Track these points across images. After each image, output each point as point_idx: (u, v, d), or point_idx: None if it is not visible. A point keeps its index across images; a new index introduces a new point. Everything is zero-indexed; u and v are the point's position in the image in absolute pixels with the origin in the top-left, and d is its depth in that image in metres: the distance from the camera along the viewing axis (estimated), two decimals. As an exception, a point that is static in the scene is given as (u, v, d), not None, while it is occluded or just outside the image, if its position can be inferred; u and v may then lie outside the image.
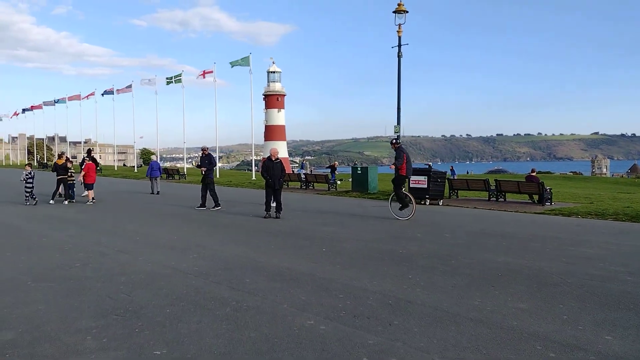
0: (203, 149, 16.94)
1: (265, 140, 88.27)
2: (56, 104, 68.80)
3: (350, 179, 26.12)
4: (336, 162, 35.60)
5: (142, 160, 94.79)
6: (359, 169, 25.60)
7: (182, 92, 48.75)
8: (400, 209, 13.59)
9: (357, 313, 5.38)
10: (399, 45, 23.42)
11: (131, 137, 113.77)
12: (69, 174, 18.55)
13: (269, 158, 14.31)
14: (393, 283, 6.67)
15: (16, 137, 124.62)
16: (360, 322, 5.08)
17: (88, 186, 18.47)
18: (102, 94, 57.87)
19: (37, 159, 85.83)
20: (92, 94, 59.89)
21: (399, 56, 23.48)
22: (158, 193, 22.88)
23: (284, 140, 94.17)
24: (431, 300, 5.86)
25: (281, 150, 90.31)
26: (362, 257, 8.48)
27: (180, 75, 49.13)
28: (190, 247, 9.29)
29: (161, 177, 26.69)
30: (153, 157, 26.91)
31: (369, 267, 7.63)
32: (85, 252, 8.83)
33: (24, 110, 79.90)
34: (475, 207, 17.77)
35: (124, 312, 5.43)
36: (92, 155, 22.38)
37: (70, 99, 64.67)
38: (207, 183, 16.41)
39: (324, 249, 9.18)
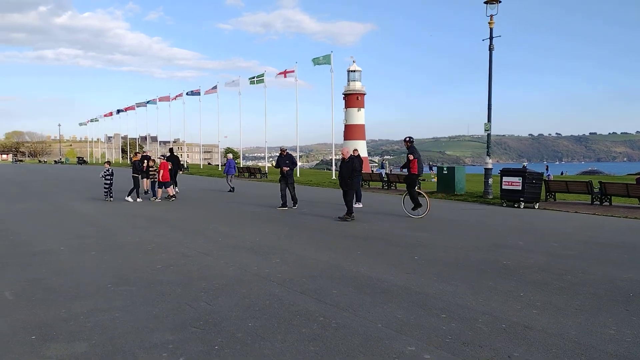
0: (282, 149, 16.73)
1: (344, 140, 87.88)
2: (147, 105, 72.30)
3: (434, 179, 24.95)
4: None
5: (225, 159, 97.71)
6: (445, 168, 24.37)
7: (264, 92, 49.23)
8: (413, 208, 13.73)
9: (466, 340, 4.57)
10: (491, 38, 22.00)
11: (216, 137, 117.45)
12: (149, 171, 18.96)
13: (342, 158, 13.83)
14: (502, 302, 5.78)
15: (112, 137, 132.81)
16: (472, 352, 4.28)
17: (163, 184, 18.68)
18: (188, 94, 59.90)
19: (130, 158, 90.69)
20: (180, 95, 62.21)
21: (491, 49, 22.05)
22: (232, 190, 23.15)
23: (364, 139, 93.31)
24: (554, 327, 4.93)
25: (360, 149, 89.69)
26: (460, 267, 7.60)
27: (262, 75, 49.70)
28: (273, 251, 8.82)
29: (243, 176, 26.91)
30: (229, 156, 27.37)
31: (470, 281, 6.75)
32: (167, 253, 8.60)
33: (118, 111, 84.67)
34: (576, 212, 16.17)
35: (204, 323, 4.97)
36: (173, 153, 22.69)
37: (161, 100, 67.63)
38: (289, 183, 16.16)
39: (416, 257, 8.38)
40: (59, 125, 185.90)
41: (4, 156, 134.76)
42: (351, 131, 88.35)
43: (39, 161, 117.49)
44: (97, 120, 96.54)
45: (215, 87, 55.96)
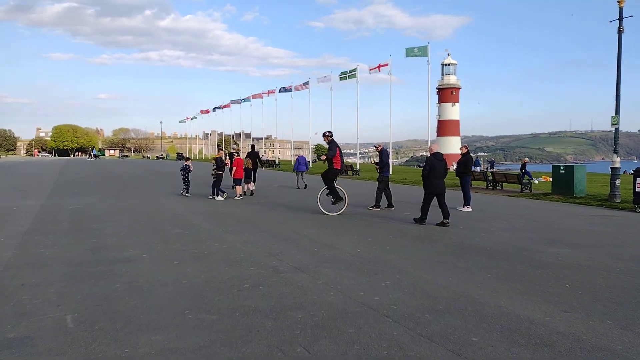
0: (376, 146, 15.66)
1: (437, 136, 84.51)
2: (242, 103, 73.54)
3: (547, 179, 22.22)
4: (526, 159, 31.30)
5: (315, 155, 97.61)
6: (561, 167, 21.58)
7: (356, 87, 47.97)
8: (333, 203, 13.27)
9: None
10: (620, 19, 19.01)
11: (307, 133, 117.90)
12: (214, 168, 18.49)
13: (433, 154, 12.20)
14: None
15: (209, 134, 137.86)
16: None
17: (236, 181, 18.15)
18: (280, 90, 59.89)
19: (225, 154, 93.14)
20: (272, 91, 62.38)
21: (620, 31, 19.05)
22: (305, 187, 22.44)
23: (458, 135, 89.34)
24: None
25: (454, 146, 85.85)
26: (636, 305, 5.67)
27: (354, 70, 48.31)
28: (381, 268, 7.32)
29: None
30: (296, 152, 26.79)
31: (663, 329, 4.85)
32: (257, 267, 7.38)
33: (214, 109, 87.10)
34: None
35: (302, 387, 3.58)
36: (254, 150, 22.38)
37: (254, 97, 68.38)
38: (381, 181, 15.08)
39: (568, 284, 6.50)
40: (161, 122, 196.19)
41: (112, 152, 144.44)
42: (445, 127, 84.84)
43: (143, 156, 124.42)
44: (195, 118, 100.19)
45: (306, 83, 55.38)
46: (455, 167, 18.24)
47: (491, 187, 24.70)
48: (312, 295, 5.94)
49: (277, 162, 57.94)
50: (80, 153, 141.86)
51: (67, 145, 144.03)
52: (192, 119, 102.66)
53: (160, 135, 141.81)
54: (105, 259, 8.00)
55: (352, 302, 5.65)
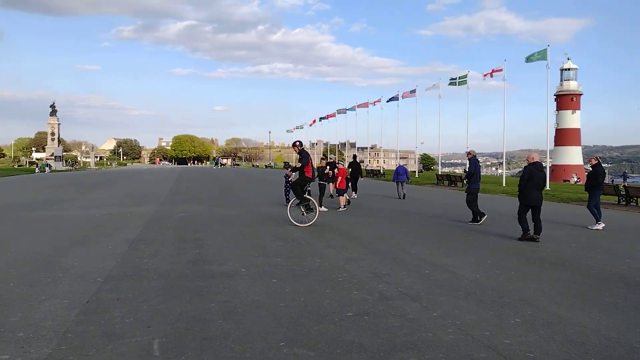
0: (468, 153, 14.53)
1: (555, 145, 78.70)
2: (347, 112, 73.59)
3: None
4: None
5: (421, 165, 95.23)
6: None
7: (465, 94, 45.56)
8: (303, 214, 12.80)
9: None
10: None
11: (412, 143, 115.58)
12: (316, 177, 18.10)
13: (533, 163, 11.04)
14: None
15: (315, 143, 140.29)
16: None
17: (339, 191, 17.56)
18: (388, 101, 58.98)
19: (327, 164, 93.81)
20: (379, 100, 61.65)
21: None
22: (404, 197, 22.14)
23: (579, 145, 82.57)
24: None
25: (575, 156, 79.33)
26: None
27: (465, 76, 46.19)
28: (507, 301, 6.21)
29: (442, 184, 24.71)
30: (401, 162, 25.93)
31: None
32: (361, 290, 6.60)
33: (320, 119, 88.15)
34: None
35: None
36: (356, 159, 22.13)
37: (359, 106, 68.08)
38: (470, 193, 14.05)
39: None
40: (270, 132, 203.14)
41: (225, 160, 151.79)
42: (563, 136, 78.83)
43: (252, 165, 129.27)
44: (302, 128, 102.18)
45: (414, 91, 53.96)
46: (575, 179, 16.32)
47: (624, 203, 21.93)
48: (426, 331, 5.04)
49: (381, 171, 57.03)
50: (196, 161, 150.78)
51: (185, 154, 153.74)
52: (298, 128, 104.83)
53: (268, 144, 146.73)
54: (203, 272, 7.66)
55: (477, 345, 4.67)
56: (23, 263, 8.29)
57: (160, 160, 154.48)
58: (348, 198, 18.81)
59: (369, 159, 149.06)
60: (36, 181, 41.12)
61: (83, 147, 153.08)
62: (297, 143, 13.46)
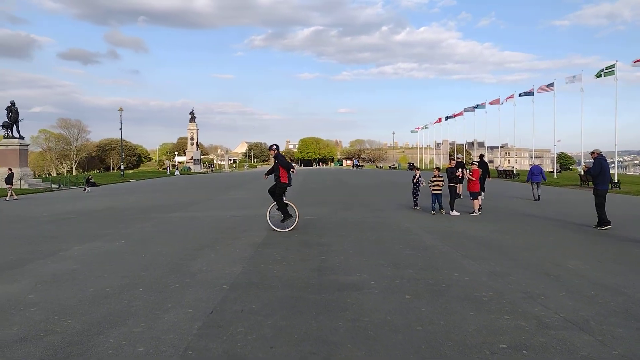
0: (592, 153, 12.92)
1: None
2: (475, 110, 70.12)
3: None
4: None
5: (558, 165, 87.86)
6: None
7: (614, 87, 40.72)
8: (282, 220, 12.44)
9: None
10: None
11: (548, 141, 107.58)
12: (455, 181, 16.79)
13: None
14: None
15: (440, 143, 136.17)
16: None
17: (473, 194, 16.24)
18: (520, 95, 55.07)
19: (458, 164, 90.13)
20: (511, 96, 57.82)
21: None
22: (539, 199, 20.90)
23: None
24: None
25: None
26: None
27: (612, 66, 41.39)
28: None
29: (588, 185, 22.21)
30: (535, 161, 23.67)
31: None
32: (513, 314, 5.57)
33: (447, 118, 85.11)
34: None
35: None
36: (483, 159, 20.60)
37: (491, 103, 64.48)
38: (597, 195, 12.64)
39: None
40: (393, 133, 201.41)
41: (348, 162, 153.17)
42: None
43: (376, 166, 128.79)
44: (427, 127, 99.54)
45: (551, 85, 49.67)
46: None
47: None
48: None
49: (514, 172, 53.29)
50: (321, 163, 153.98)
51: (311, 156, 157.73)
52: (423, 128, 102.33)
53: (392, 145, 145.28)
54: (330, 283, 7.10)
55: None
56: (155, 266, 8.39)
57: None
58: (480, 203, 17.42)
59: (499, 159, 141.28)
60: (175, 182, 44.22)
61: (218, 151, 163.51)
62: (274, 147, 12.95)
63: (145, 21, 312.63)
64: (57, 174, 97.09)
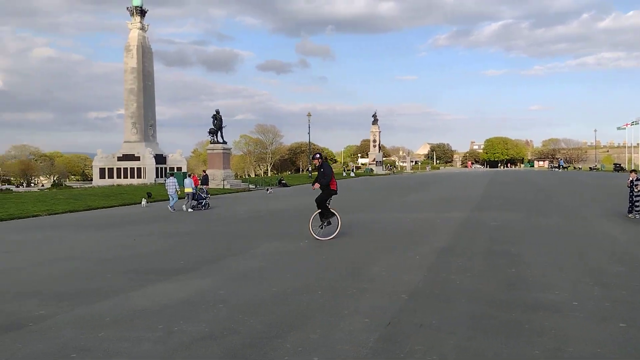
0: None
1: None
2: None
3: None
4: None
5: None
6: None
7: None
8: (321, 226, 11.80)
9: None
10: None
11: None
12: None
13: None
14: None
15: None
16: None
17: None
18: None
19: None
20: None
21: None
22: None
23: None
24: None
25: None
26: None
27: None
28: None
29: None
30: None
31: None
32: None
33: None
34: None
35: None
36: None
37: None
38: None
39: None
40: (595, 130, 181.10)
41: (541, 163, 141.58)
42: None
43: (573, 167, 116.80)
44: (637, 123, 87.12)
45: None
46: None
47: None
48: None
49: None
50: (509, 164, 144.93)
51: (497, 157, 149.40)
52: (633, 124, 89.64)
53: (594, 144, 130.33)
54: (522, 300, 6.26)
55: None
56: (333, 269, 8.37)
57: (472, 163, 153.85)
58: None
59: None
60: (359, 184, 45.26)
61: (400, 152, 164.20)
62: (317, 156, 12.29)
63: (332, 30, 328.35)
64: (254, 175, 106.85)
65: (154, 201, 26.89)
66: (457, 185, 37.75)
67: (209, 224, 16.04)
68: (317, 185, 11.89)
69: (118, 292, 7.05)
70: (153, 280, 7.83)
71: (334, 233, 11.77)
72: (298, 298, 6.52)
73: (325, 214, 11.89)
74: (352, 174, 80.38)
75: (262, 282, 7.52)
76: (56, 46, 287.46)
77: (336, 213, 11.98)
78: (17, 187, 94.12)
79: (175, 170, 51.05)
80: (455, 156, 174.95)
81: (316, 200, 11.98)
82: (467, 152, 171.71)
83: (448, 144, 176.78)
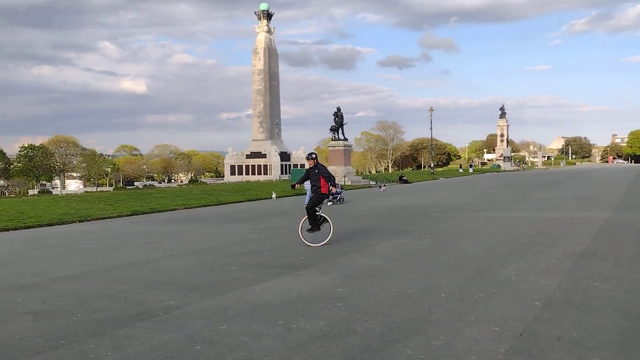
0: None
1: None
2: None
3: None
4: None
5: None
6: None
7: None
8: (310, 230, 10.88)
9: None
10: None
11: None
12: None
13: None
14: None
15: None
16: None
17: None
18: None
19: None
20: None
21: None
22: None
23: None
24: None
25: None
26: None
27: None
28: None
29: None
30: None
31: None
32: None
33: None
34: None
35: None
36: None
37: None
38: None
39: None
40: None
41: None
42: None
43: None
44: None
45: None
46: None
47: None
48: None
49: None
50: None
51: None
52: None
53: None
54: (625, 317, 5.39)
55: None
56: (458, 270, 7.91)
57: (614, 158, 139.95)
58: None
59: None
60: (483, 181, 43.17)
61: (531, 147, 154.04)
62: (313, 156, 11.45)
63: (456, 21, 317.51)
64: (375, 171, 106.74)
65: (279, 197, 27.91)
66: (598, 182, 34.43)
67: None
68: (333, 189, 11.32)
69: (242, 285, 7.27)
70: (275, 274, 7.99)
71: (325, 239, 10.80)
72: (419, 300, 6.22)
73: (316, 219, 10.97)
74: (471, 170, 76.34)
75: (381, 281, 7.32)
76: (193, 52, 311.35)
77: (329, 219, 11.08)
78: (160, 183, 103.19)
79: (299, 167, 52.64)
80: (593, 150, 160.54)
81: (306, 208, 11.15)
82: (607, 146, 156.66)
83: (585, 138, 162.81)
